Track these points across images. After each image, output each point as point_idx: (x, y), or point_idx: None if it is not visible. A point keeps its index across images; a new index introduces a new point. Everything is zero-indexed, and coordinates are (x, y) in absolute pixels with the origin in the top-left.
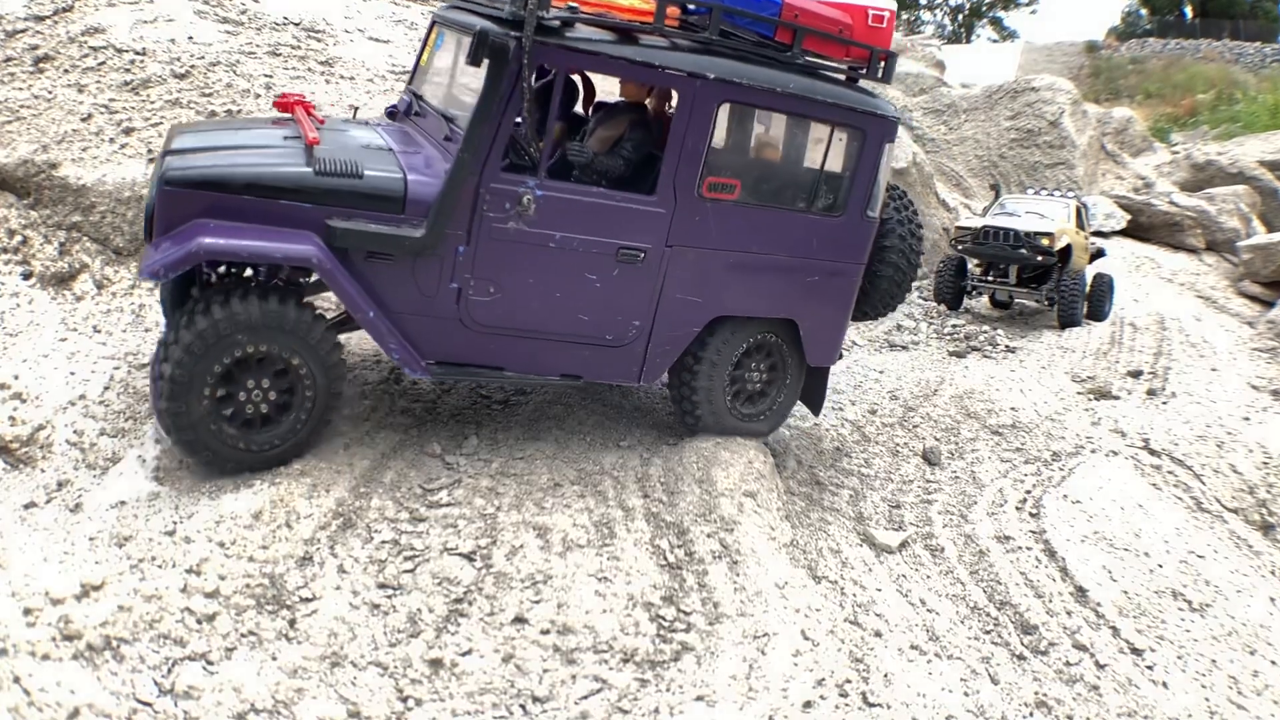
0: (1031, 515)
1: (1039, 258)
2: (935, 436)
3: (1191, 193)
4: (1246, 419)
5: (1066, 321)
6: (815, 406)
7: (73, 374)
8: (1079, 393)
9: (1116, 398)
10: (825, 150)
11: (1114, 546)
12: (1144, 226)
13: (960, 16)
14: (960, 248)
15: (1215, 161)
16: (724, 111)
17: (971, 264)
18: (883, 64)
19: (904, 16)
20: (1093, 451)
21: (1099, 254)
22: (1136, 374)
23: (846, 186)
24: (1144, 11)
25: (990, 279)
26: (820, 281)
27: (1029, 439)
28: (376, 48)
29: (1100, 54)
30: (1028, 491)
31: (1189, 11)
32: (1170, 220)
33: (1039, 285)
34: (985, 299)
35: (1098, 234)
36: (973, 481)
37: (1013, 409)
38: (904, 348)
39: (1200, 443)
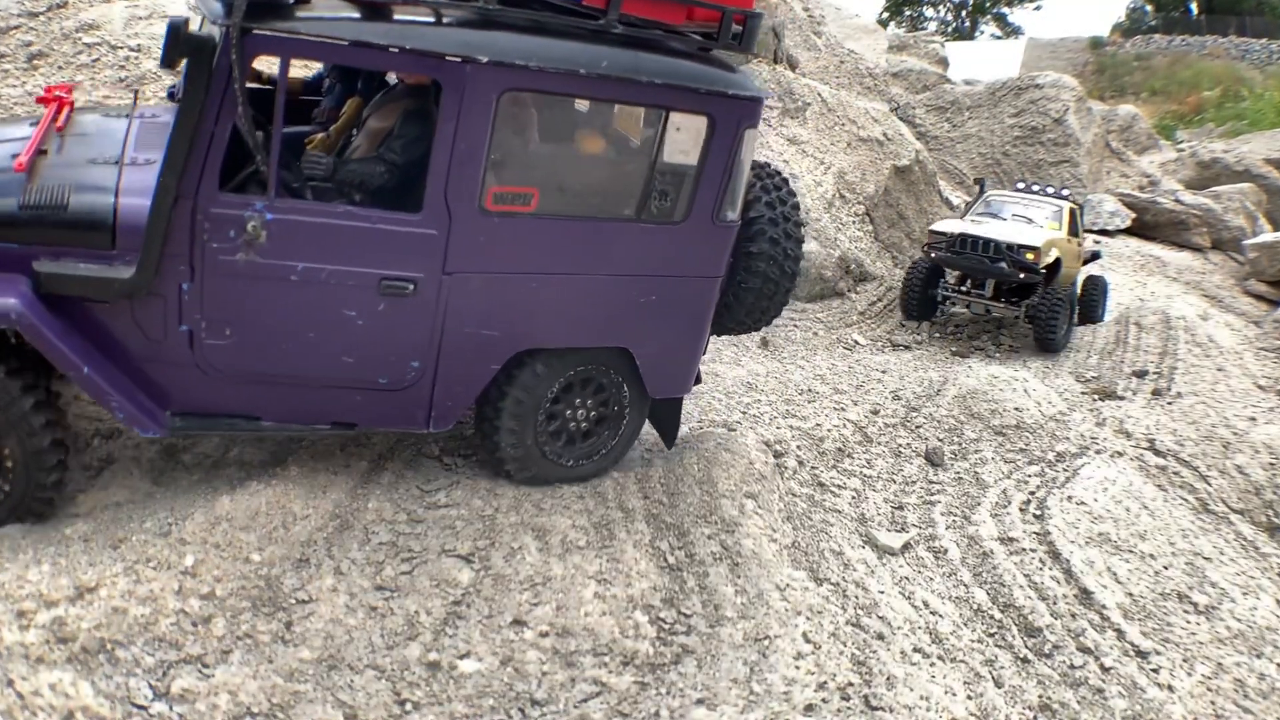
0: (1035, 517)
1: (1021, 275)
2: (938, 437)
3: (1197, 191)
4: (1253, 419)
5: (1043, 345)
6: (668, 438)
7: None
8: (1083, 393)
9: (1121, 398)
10: (657, 142)
11: (1119, 548)
12: (1149, 225)
13: (964, 12)
14: (934, 255)
15: (1221, 159)
16: (507, 103)
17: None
18: (740, 27)
19: (907, 13)
20: (1097, 452)
21: (1094, 256)
22: (1142, 374)
23: (691, 185)
24: (1149, 7)
25: (965, 290)
26: (658, 302)
27: (1033, 439)
28: None
29: (1105, 50)
30: (1032, 493)
31: (1194, 7)
32: (1176, 219)
33: (1019, 300)
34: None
35: (1102, 232)
36: (976, 483)
37: (1017, 409)
38: (906, 347)
39: (1206, 443)
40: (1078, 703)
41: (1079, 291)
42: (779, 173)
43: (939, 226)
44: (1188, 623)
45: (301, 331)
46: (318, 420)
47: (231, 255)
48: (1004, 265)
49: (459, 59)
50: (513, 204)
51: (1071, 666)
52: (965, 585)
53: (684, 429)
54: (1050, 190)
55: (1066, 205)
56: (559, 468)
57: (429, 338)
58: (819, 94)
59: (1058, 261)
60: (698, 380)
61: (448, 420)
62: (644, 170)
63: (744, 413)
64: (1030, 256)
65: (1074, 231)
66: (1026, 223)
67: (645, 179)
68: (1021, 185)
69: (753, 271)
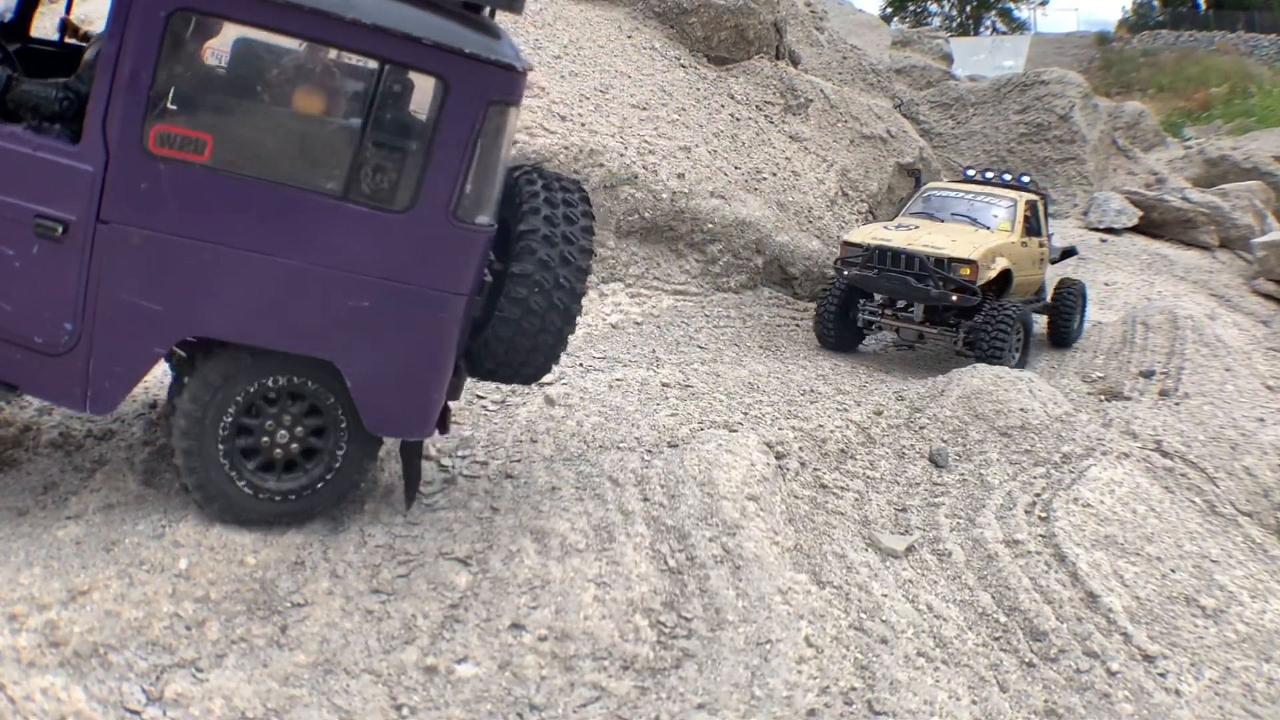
0: (1041, 519)
1: (954, 296)
2: (942, 438)
3: (1205, 189)
4: (1261, 420)
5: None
6: (407, 493)
7: None
8: (1090, 393)
9: (1128, 398)
10: (370, 101)
11: (1125, 551)
12: (1156, 223)
13: (968, 8)
14: (847, 274)
15: (1229, 157)
16: (179, 25)
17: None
18: None
19: (910, 8)
20: (1103, 453)
21: (1070, 252)
22: (1148, 374)
23: (418, 166)
24: (1156, 3)
25: (890, 314)
26: (374, 311)
27: (1038, 441)
28: None
29: (1111, 46)
30: (1037, 495)
31: (1202, 3)
32: (1183, 217)
33: (956, 324)
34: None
35: (1109, 230)
36: (981, 484)
37: (1022, 410)
38: (910, 346)
39: (1213, 445)
40: (1084, 707)
41: (1049, 299)
42: (579, 187)
43: (854, 236)
44: (1195, 626)
45: None
46: None
47: None
48: (930, 286)
49: None
50: (180, 149)
51: (1077, 670)
52: (970, 588)
53: (683, 430)
54: (1008, 177)
55: (1023, 198)
56: (250, 500)
57: (80, 296)
58: (821, 90)
59: (1007, 273)
60: (444, 427)
61: (106, 404)
62: (353, 136)
63: (745, 413)
64: (965, 272)
65: (1034, 229)
66: (969, 224)
67: (355, 147)
68: (972, 171)
69: (512, 298)
